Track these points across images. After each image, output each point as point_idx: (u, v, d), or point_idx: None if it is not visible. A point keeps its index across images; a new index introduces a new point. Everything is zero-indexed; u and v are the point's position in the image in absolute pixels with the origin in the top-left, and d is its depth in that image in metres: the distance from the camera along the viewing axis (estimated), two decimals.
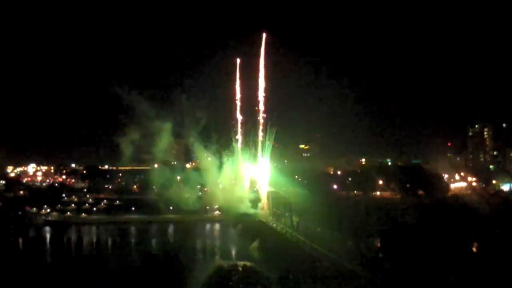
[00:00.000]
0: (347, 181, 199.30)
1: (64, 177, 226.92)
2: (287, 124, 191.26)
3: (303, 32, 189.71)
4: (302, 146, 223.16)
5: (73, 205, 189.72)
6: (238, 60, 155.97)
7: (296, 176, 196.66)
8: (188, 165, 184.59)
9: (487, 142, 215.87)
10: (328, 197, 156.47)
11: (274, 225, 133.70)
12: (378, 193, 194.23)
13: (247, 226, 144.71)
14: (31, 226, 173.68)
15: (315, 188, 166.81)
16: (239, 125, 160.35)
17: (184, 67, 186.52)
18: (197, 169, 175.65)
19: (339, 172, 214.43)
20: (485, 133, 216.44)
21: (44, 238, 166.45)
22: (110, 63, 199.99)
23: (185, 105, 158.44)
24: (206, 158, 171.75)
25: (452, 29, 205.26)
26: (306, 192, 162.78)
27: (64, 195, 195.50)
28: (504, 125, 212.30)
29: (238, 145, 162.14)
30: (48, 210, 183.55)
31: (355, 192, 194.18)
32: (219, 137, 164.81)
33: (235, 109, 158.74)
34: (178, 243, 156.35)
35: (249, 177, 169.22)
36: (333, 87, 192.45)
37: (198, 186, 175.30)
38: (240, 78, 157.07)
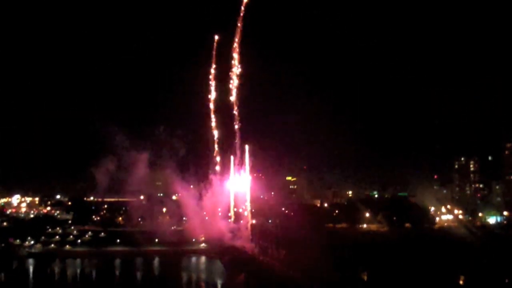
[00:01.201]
0: (334, 214, 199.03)
1: (48, 208, 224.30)
2: (273, 155, 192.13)
3: (287, 68, 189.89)
4: (289, 178, 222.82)
5: (57, 237, 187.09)
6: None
7: (283, 208, 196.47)
8: (174, 197, 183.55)
9: (473, 175, 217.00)
10: (315, 230, 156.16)
11: (261, 258, 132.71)
12: (365, 225, 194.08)
13: (233, 259, 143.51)
14: (15, 258, 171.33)
15: (302, 221, 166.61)
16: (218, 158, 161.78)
17: (162, 102, 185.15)
18: (182, 200, 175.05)
19: (326, 205, 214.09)
20: (471, 166, 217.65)
21: (28, 270, 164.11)
22: (95, 97, 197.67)
23: (167, 139, 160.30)
24: (191, 190, 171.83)
25: (434, 64, 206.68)
26: (293, 224, 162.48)
27: (48, 226, 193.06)
28: (489, 158, 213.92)
29: (218, 176, 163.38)
30: (32, 242, 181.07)
31: (342, 224, 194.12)
32: (200, 170, 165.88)
33: (213, 142, 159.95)
34: (164, 276, 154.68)
35: (233, 208, 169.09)
36: (320, 121, 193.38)
37: (184, 218, 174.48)
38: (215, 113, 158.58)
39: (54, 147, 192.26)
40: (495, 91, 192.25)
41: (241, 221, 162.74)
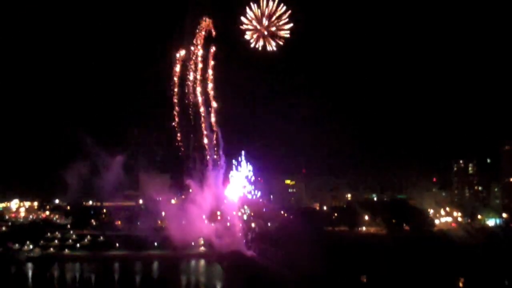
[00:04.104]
0: (333, 217, 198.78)
1: (47, 213, 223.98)
2: (272, 159, 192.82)
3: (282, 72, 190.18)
4: (287, 181, 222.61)
5: (56, 241, 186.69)
6: None
7: (282, 212, 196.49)
8: (173, 201, 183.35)
9: (472, 178, 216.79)
10: (315, 233, 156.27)
11: (260, 260, 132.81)
12: (364, 228, 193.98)
13: (232, 262, 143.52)
14: (13, 263, 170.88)
15: (301, 224, 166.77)
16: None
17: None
18: (181, 204, 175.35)
19: (325, 208, 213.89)
20: (469, 168, 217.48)
21: (26, 275, 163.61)
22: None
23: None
24: (189, 194, 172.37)
25: (433, 68, 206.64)
26: (293, 227, 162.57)
27: (47, 231, 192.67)
28: (488, 160, 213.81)
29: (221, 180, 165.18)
30: (31, 247, 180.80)
31: (342, 227, 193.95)
32: (198, 173, 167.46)
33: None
34: (163, 279, 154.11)
35: (233, 211, 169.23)
36: (319, 124, 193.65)
37: (183, 222, 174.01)
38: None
39: (52, 152, 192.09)
40: (493, 94, 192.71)
41: (240, 224, 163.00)
